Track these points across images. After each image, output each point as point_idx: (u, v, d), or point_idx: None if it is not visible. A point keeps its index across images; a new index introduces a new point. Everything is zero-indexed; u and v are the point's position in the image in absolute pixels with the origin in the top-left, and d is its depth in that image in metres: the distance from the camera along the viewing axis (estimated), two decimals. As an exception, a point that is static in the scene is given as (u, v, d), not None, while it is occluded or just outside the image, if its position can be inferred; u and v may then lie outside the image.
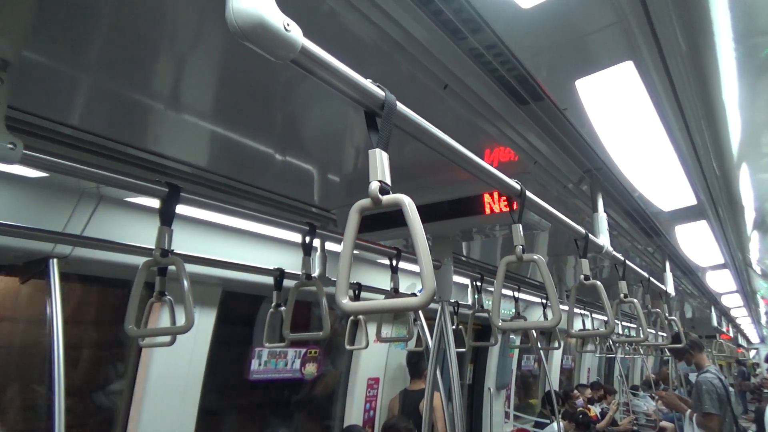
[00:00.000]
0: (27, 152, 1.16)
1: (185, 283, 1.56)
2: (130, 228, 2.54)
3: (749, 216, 3.11)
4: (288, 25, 0.76)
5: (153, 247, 1.56)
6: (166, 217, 1.54)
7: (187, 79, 1.66)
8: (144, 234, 1.94)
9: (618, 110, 1.87)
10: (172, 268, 1.65)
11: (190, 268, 1.65)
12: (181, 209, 1.62)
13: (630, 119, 1.96)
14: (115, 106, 1.81)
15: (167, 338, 1.84)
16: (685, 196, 2.90)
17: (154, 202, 1.64)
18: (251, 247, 3.08)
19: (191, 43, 1.45)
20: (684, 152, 2.27)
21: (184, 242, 2.00)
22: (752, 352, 17.60)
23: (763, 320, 11.31)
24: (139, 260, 1.61)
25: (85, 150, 1.91)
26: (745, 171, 2.47)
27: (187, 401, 3.02)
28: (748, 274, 5.46)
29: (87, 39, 1.40)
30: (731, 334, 14.51)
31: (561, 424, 5.79)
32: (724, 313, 10.28)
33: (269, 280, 2.56)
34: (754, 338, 17.68)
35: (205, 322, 3.13)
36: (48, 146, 1.79)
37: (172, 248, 1.61)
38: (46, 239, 2.18)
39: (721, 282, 5.98)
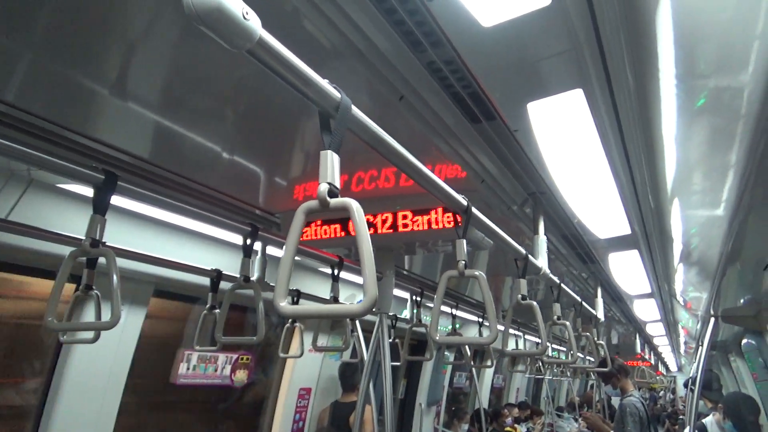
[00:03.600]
0: (-51, 124, 1.08)
1: (115, 277, 1.49)
2: (62, 217, 2.40)
3: (677, 249, 3.26)
4: (247, 13, 0.74)
5: (83, 238, 1.48)
6: (100, 205, 1.47)
7: (137, 66, 1.59)
8: (75, 225, 1.84)
9: (565, 136, 1.93)
10: (101, 261, 1.56)
11: (121, 263, 1.58)
12: (115, 200, 1.55)
13: (575, 146, 2.02)
14: (56, 86, 1.71)
15: (90, 335, 1.74)
16: (621, 226, 3.02)
17: (89, 191, 1.56)
18: (187, 246, 2.98)
19: (144, 28, 1.39)
20: (623, 183, 2.36)
21: (115, 235, 1.91)
22: (666, 379, 18.48)
23: (682, 349, 11.90)
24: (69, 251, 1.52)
25: (19, 129, 1.79)
26: (676, 206, 2.59)
27: (107, 403, 2.87)
28: (672, 304, 5.73)
29: (31, 14, 1.32)
30: (652, 362, 15.23)
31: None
32: (647, 340, 10.76)
33: (205, 281, 2.49)
34: (673, 366, 18.57)
35: (134, 320, 2.99)
36: (-25, 121, 1.68)
37: (103, 240, 1.53)
38: (-37, 221, 2.03)
39: (646, 310, 6.25)
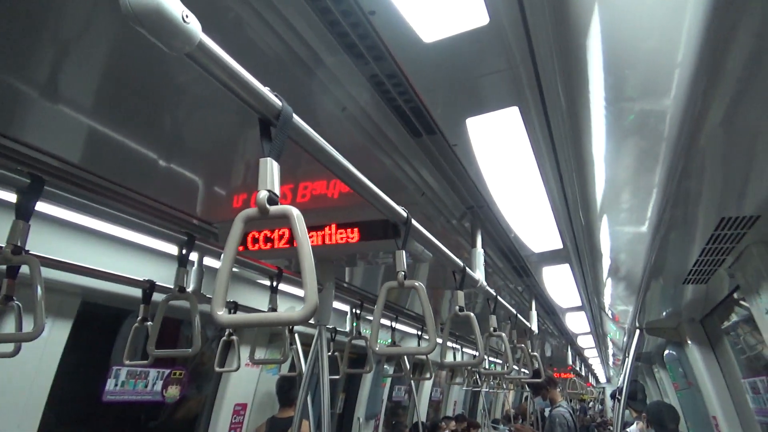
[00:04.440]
0: None
1: (39, 287, 1.41)
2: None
3: (606, 264, 3.42)
4: (187, 16, 0.73)
5: (3, 245, 1.40)
6: (24, 211, 1.39)
7: (69, 67, 1.52)
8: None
9: (502, 152, 1.99)
10: (23, 270, 1.48)
11: (45, 272, 1.49)
12: (41, 207, 1.47)
13: (512, 162, 2.09)
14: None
15: (9, 348, 1.63)
16: (553, 240, 3.13)
17: (11, 197, 1.47)
18: (118, 256, 2.85)
19: (78, 27, 1.34)
20: (556, 199, 2.45)
21: (39, 243, 1.81)
22: (596, 390, 19.18)
23: (611, 361, 12.40)
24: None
25: (-68, 129, 1.68)
26: (605, 223, 2.71)
27: (26, 423, 2.69)
28: (601, 317, 5.98)
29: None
30: (583, 373, 15.78)
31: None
32: (578, 353, 11.15)
33: (137, 292, 2.40)
34: (602, 378, 19.31)
35: (58, 334, 2.83)
36: None
37: (26, 248, 1.45)
38: None
39: (577, 323, 6.49)
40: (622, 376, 5.70)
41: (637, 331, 4.90)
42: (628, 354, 5.40)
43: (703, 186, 1.99)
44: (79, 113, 1.76)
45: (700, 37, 1.20)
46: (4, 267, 1.52)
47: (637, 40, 1.35)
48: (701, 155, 1.73)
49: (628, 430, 5.26)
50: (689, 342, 4.63)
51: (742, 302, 3.61)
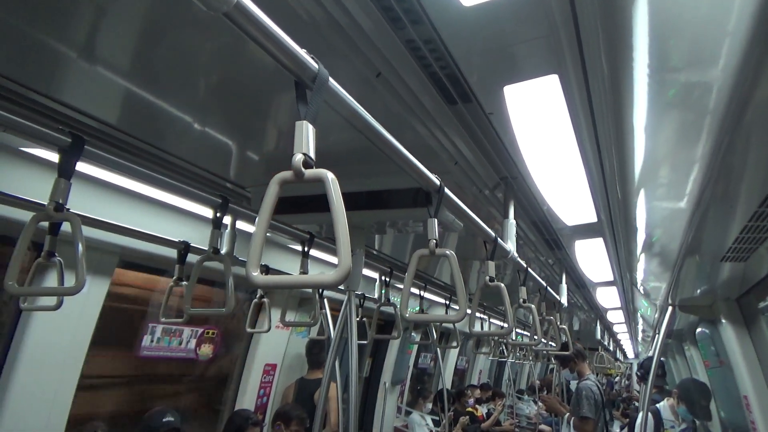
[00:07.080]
0: None
1: (79, 243, 1.45)
2: (24, 184, 2.33)
3: (640, 239, 3.34)
4: (226, -25, 0.72)
5: (46, 203, 1.44)
6: (66, 169, 1.43)
7: (108, 29, 1.53)
8: (40, 193, 1.78)
9: (539, 122, 1.95)
10: (64, 229, 1.53)
11: (85, 232, 1.54)
12: (79, 167, 1.51)
13: (549, 132, 2.04)
14: (20, 45, 1.64)
15: (53, 302, 1.70)
16: (587, 214, 3.07)
17: (53, 157, 1.51)
18: (154, 217, 2.93)
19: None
20: (593, 171, 2.40)
21: (78, 203, 1.86)
22: (624, 365, 19.10)
23: (639, 337, 12.28)
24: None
25: (-20, 89, 1.72)
26: (642, 197, 2.65)
27: (67, 374, 2.82)
28: (632, 293, 5.89)
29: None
30: (611, 348, 15.68)
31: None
32: (607, 327, 11.05)
33: (172, 253, 2.46)
34: (630, 354, 19.17)
35: (97, 291, 2.94)
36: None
37: (67, 207, 1.50)
38: None
39: (608, 298, 6.42)
40: (652, 352, 5.64)
41: (670, 308, 4.82)
42: (659, 331, 5.32)
43: (747, 161, 1.91)
44: (117, 75, 1.77)
45: (756, 3, 1.13)
46: (46, 224, 1.57)
47: (686, 6, 1.29)
48: (748, 130, 1.65)
49: (657, 405, 5.23)
50: (723, 321, 4.54)
51: (781, 282, 3.50)
